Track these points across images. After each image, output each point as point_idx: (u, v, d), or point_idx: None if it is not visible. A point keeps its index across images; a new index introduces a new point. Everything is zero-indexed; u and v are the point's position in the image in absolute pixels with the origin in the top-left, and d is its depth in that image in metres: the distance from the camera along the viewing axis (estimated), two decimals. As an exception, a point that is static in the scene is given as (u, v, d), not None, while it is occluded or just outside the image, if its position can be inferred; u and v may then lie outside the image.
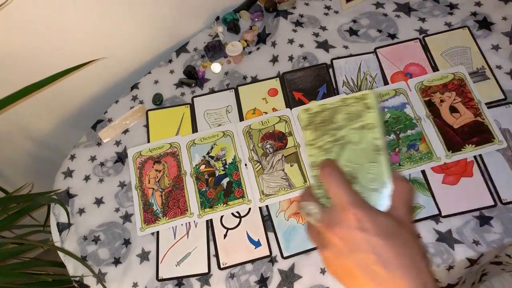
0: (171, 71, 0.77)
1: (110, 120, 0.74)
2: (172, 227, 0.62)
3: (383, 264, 0.38)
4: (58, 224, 0.66)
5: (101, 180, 0.68)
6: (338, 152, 0.46)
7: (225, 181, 0.64)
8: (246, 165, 0.65)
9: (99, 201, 0.67)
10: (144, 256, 0.62)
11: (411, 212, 0.41)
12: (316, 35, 0.76)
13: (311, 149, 0.46)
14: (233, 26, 0.78)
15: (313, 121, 0.47)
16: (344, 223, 0.40)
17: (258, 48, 0.77)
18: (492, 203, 0.58)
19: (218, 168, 0.65)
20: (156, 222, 0.63)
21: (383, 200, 0.42)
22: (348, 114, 0.46)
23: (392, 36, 0.74)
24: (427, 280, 0.39)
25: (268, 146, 0.66)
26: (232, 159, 0.65)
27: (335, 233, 0.40)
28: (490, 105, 0.65)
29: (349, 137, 0.46)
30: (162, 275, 0.59)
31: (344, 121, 0.46)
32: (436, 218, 0.59)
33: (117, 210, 0.65)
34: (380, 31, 0.75)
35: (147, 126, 0.72)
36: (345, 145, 0.46)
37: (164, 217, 0.63)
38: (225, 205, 0.62)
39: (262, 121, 0.67)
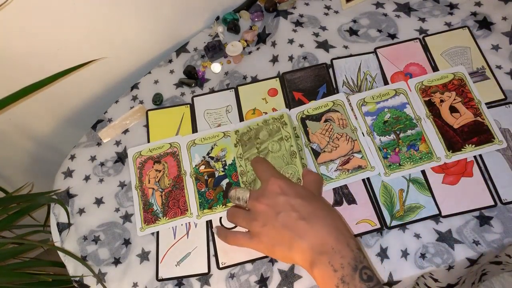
0: (171, 71, 0.77)
1: (110, 120, 0.74)
2: (172, 227, 0.62)
3: (303, 218, 0.46)
4: (58, 224, 0.66)
5: (101, 180, 0.68)
6: None
7: (224, 182, 0.64)
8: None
9: (99, 201, 0.67)
10: (144, 256, 0.62)
11: (321, 192, 0.54)
12: (316, 35, 0.76)
13: (240, 161, 0.62)
14: (233, 26, 0.78)
15: (241, 139, 0.63)
16: (269, 193, 0.49)
17: (258, 48, 0.77)
18: (492, 203, 0.58)
19: (217, 169, 0.65)
20: (156, 222, 0.63)
21: None
22: (269, 131, 0.62)
23: (392, 36, 0.74)
24: (342, 228, 0.46)
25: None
26: (232, 160, 0.65)
27: (262, 202, 0.49)
28: (490, 105, 0.65)
29: (270, 147, 0.60)
30: (162, 275, 0.59)
31: (266, 136, 0.61)
32: (436, 218, 0.59)
33: (117, 210, 0.65)
34: (380, 31, 0.75)
35: (147, 126, 0.72)
36: (268, 154, 0.60)
37: (164, 217, 0.63)
38: (224, 206, 0.62)
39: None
